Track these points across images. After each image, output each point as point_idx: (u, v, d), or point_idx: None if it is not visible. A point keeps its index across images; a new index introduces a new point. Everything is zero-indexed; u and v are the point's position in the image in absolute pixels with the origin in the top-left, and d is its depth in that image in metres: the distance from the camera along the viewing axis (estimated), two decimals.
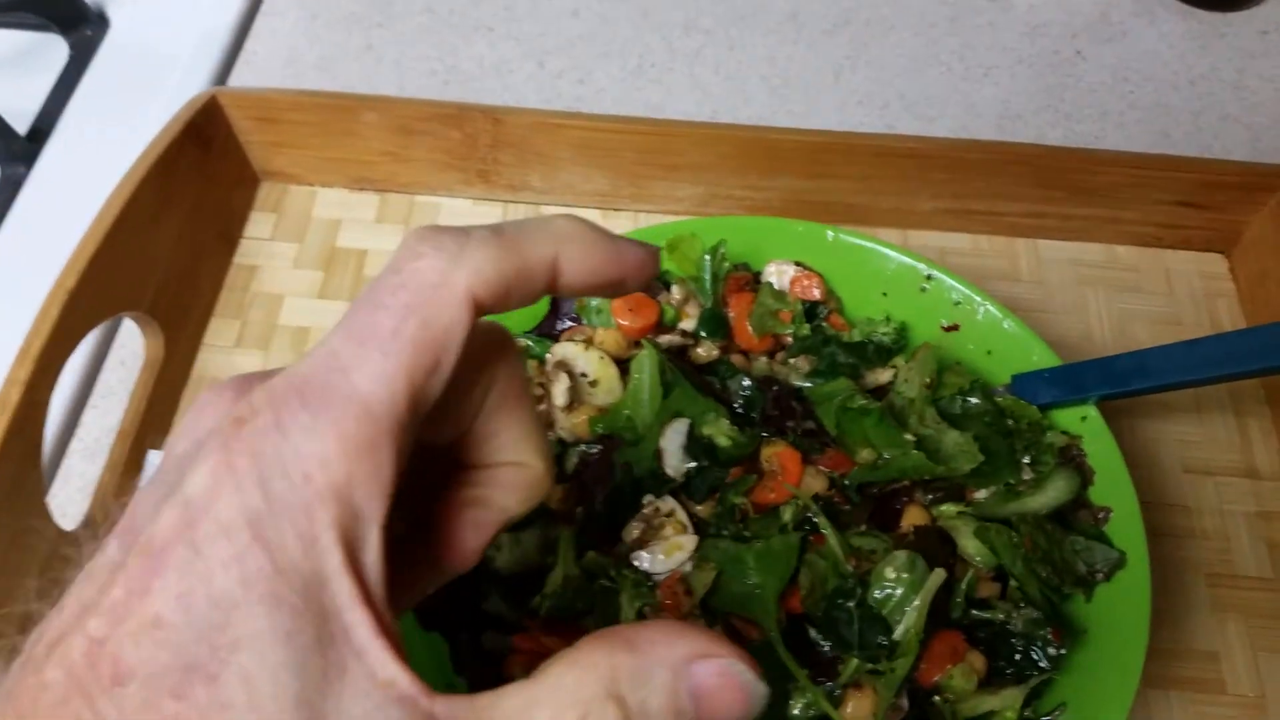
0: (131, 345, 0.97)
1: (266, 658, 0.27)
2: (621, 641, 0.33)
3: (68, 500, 0.89)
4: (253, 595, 0.27)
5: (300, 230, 1.02)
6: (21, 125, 1.09)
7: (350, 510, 0.29)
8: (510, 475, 0.39)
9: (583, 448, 0.78)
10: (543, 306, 0.85)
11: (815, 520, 0.72)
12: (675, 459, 0.73)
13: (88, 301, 0.82)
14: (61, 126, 1.12)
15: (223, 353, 0.96)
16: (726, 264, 0.86)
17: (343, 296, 0.98)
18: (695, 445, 0.74)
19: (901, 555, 0.69)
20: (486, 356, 0.38)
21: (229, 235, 1.01)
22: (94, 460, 0.90)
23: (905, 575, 0.69)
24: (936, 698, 0.71)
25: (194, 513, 0.28)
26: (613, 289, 0.37)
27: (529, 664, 0.69)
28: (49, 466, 0.91)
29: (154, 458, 0.86)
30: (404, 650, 0.31)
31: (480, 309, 0.33)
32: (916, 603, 0.67)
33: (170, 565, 0.27)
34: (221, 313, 0.98)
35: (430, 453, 0.41)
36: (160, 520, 0.28)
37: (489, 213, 1.04)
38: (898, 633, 0.67)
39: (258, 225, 1.03)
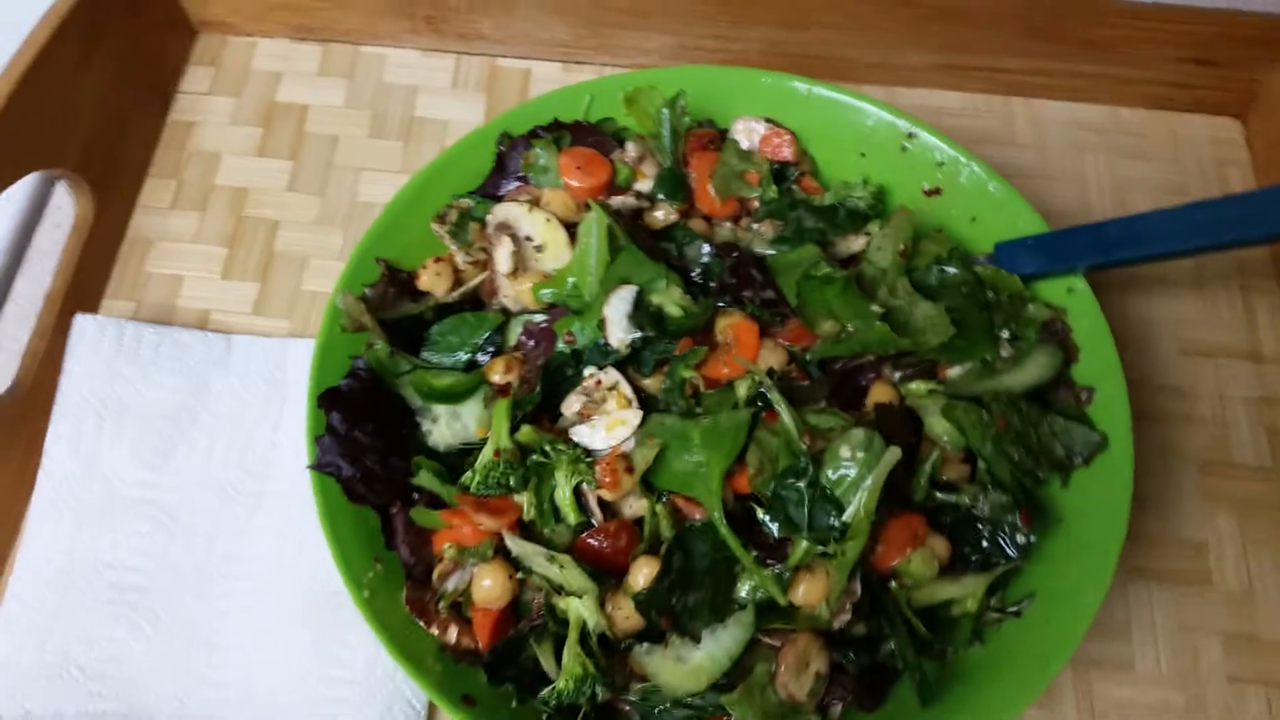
0: (67, 208, 0.91)
1: None
2: None
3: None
4: None
5: (238, 84, 0.95)
6: None
7: None
8: None
9: (526, 317, 0.73)
10: (487, 165, 0.78)
11: (769, 396, 0.66)
12: (620, 329, 0.68)
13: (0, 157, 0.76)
14: None
15: (158, 214, 0.90)
16: (687, 119, 0.79)
17: (282, 155, 0.92)
18: (643, 314, 0.68)
19: (859, 433, 0.64)
20: None
21: (163, 91, 0.94)
22: (26, 325, 0.85)
23: (861, 454, 0.63)
24: (893, 583, 0.67)
25: None
26: None
27: (458, 540, 0.65)
28: None
29: (82, 321, 0.81)
30: None
31: None
32: (869, 483, 0.62)
33: None
34: (157, 173, 0.91)
35: None
36: None
37: (440, 65, 0.96)
38: (848, 514, 0.62)
39: (194, 79, 0.95)
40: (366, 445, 0.66)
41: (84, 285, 0.85)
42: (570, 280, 0.71)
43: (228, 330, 0.83)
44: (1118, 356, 0.72)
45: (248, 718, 0.71)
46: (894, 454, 0.62)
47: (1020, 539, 0.67)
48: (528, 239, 0.74)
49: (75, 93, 0.83)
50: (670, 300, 0.70)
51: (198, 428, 0.78)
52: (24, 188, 0.93)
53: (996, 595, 0.69)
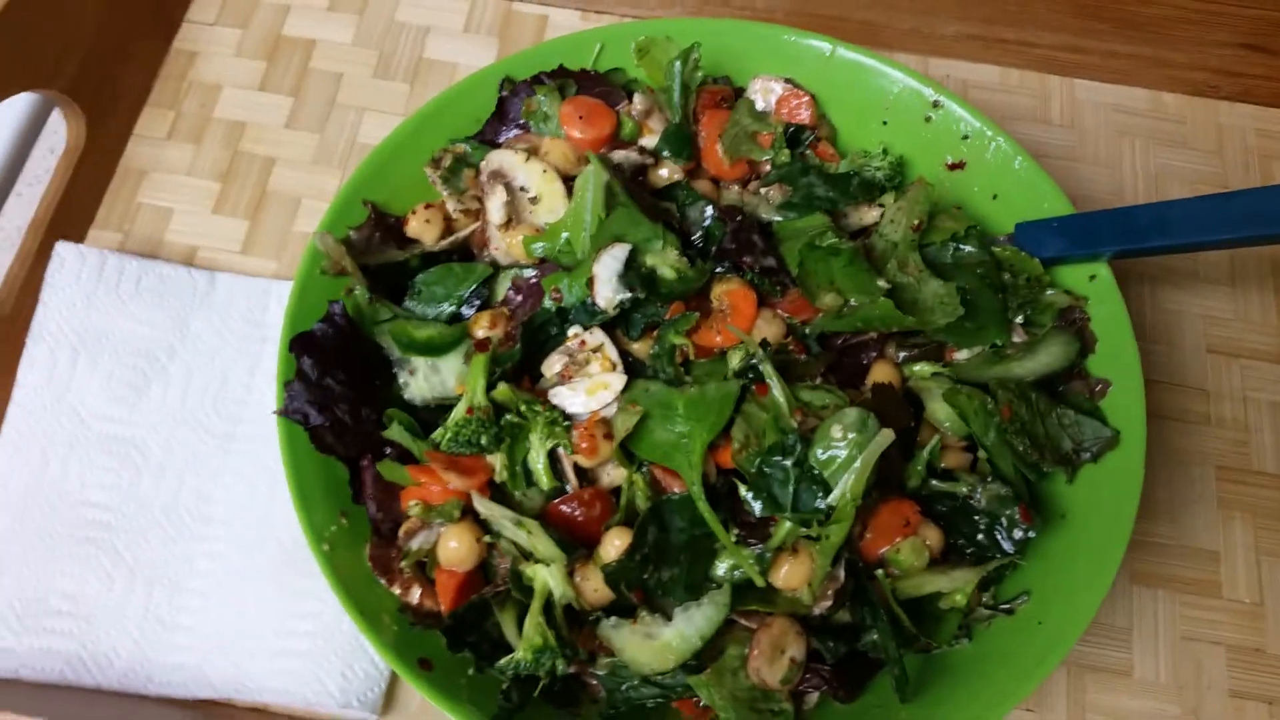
0: (63, 132, 0.88)
1: None
2: None
3: None
4: None
5: (246, 15, 0.92)
6: None
7: None
8: None
9: (516, 271, 0.69)
10: (487, 109, 0.75)
11: (761, 368, 0.63)
12: (608, 288, 0.64)
13: None
14: None
15: (153, 144, 0.87)
16: (700, 74, 0.75)
17: (284, 90, 0.89)
18: (634, 275, 0.65)
19: (852, 413, 0.60)
20: None
21: (169, 17, 0.91)
22: (10, 250, 0.83)
23: (853, 435, 0.60)
24: (880, 572, 0.63)
25: None
26: None
27: (425, 499, 0.62)
28: None
29: (63, 249, 0.78)
30: None
31: None
32: (858, 465, 0.58)
33: None
34: (156, 101, 0.89)
35: None
36: None
37: (454, 6, 0.93)
38: (833, 496, 0.59)
39: (201, 8, 0.92)
40: (338, 394, 0.64)
41: (72, 213, 0.82)
42: (564, 235, 0.68)
43: (214, 268, 0.81)
44: (1137, 350, 0.68)
45: (206, 663, 0.68)
46: (886, 436, 0.59)
47: (1018, 534, 0.64)
48: (522, 189, 0.70)
49: (73, 11, 0.81)
50: (665, 262, 0.66)
51: (175, 365, 0.76)
52: (19, 110, 0.90)
53: (989, 591, 0.66)
